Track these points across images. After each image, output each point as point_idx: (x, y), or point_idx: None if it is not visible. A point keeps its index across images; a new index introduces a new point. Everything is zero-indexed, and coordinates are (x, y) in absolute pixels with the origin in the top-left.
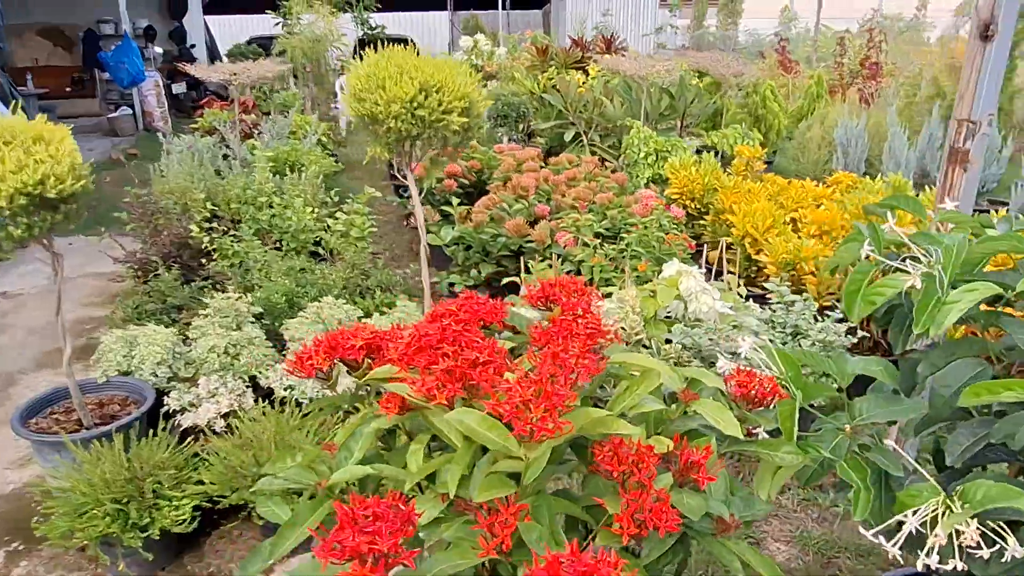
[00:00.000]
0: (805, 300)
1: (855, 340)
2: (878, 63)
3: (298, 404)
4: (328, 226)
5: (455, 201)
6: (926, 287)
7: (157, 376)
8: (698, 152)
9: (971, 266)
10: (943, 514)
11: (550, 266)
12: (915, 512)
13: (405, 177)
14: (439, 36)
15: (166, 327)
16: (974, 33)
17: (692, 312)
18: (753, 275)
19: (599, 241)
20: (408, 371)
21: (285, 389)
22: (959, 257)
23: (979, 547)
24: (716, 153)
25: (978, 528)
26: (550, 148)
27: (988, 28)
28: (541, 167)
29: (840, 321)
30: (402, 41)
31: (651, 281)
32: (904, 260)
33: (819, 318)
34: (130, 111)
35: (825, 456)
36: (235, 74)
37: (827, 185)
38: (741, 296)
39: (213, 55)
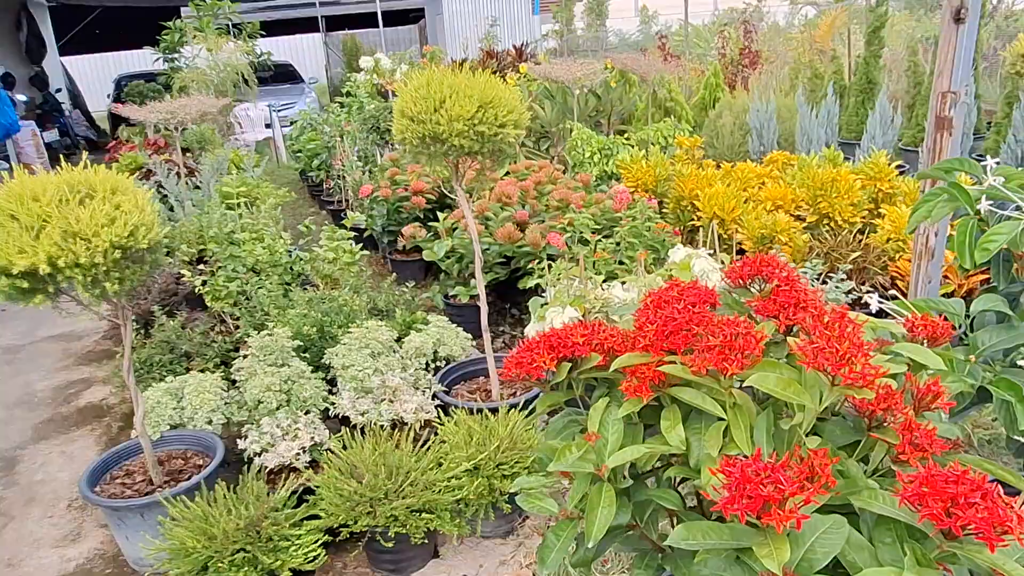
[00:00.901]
0: (813, 265)
1: (855, 296)
2: (757, 52)
3: (381, 427)
4: (313, 255)
5: (442, 216)
6: None
7: (212, 424)
8: (638, 147)
9: None
10: None
11: (576, 263)
12: None
13: (454, 193)
14: (313, 59)
15: (177, 376)
16: (947, 17)
17: None
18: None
19: (599, 237)
20: (664, 355)
21: (361, 414)
22: None
23: None
24: (644, 146)
25: None
26: None
27: (960, 12)
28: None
29: (841, 281)
30: (285, 66)
31: (649, 269)
32: (1014, 208)
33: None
34: (7, 164)
35: (971, 382)
36: (172, 112)
37: (764, 164)
38: None
39: (76, 100)
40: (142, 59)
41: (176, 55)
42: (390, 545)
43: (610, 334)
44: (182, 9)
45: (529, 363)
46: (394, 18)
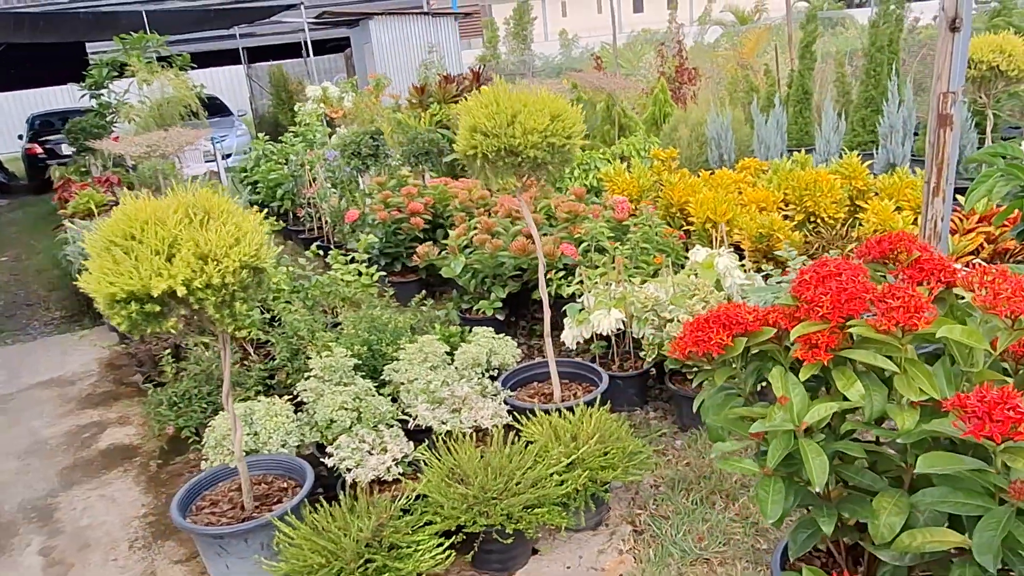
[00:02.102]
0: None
1: None
2: (695, 69)
3: (461, 434)
4: (331, 278)
5: (453, 233)
6: None
7: (286, 446)
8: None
9: None
10: None
11: (612, 268)
12: None
13: (521, 203)
14: (231, 91)
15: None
16: (944, 27)
17: (728, 287)
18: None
19: (616, 244)
20: (840, 321)
21: (443, 423)
22: None
23: None
24: (623, 159)
25: None
26: (457, 177)
27: (955, 22)
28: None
29: None
30: (213, 99)
31: (662, 269)
32: None
33: None
34: None
35: None
36: (153, 146)
37: (738, 171)
38: (746, 269)
39: None
40: (46, 97)
41: (103, 90)
42: (509, 542)
43: (773, 311)
44: (88, 45)
45: (707, 340)
46: (313, 48)
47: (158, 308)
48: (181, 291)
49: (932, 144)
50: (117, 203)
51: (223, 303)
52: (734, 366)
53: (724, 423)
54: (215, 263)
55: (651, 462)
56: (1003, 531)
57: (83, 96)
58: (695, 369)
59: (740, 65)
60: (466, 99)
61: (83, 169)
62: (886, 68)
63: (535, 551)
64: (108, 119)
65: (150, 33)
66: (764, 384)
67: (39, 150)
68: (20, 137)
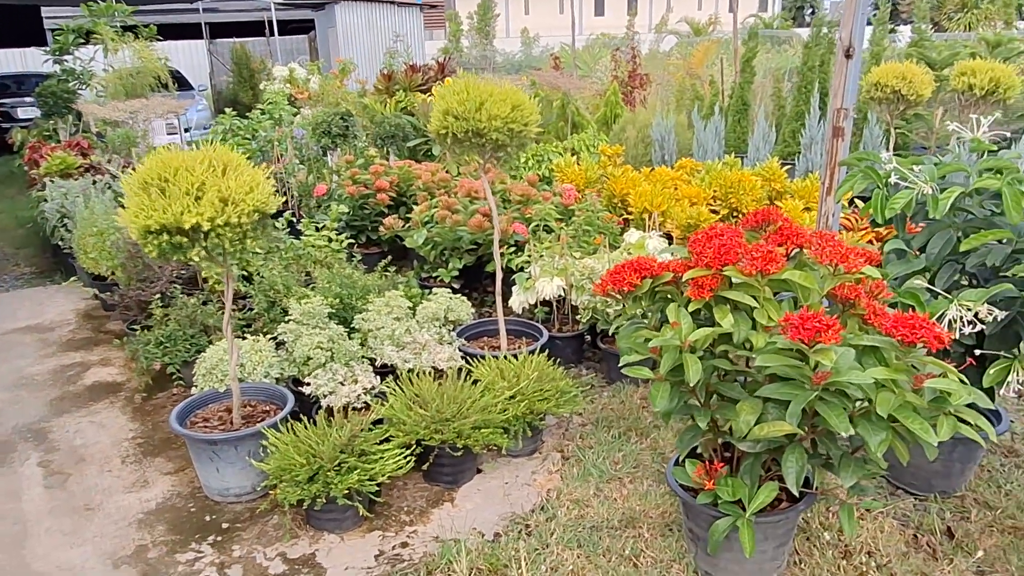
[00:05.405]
0: None
1: None
2: (646, 75)
3: (424, 372)
4: (305, 242)
5: (417, 208)
6: (931, 192)
7: (268, 377)
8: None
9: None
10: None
11: (558, 239)
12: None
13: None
14: (189, 66)
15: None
16: (840, 53)
17: None
18: None
19: (562, 225)
20: (719, 268)
21: (405, 362)
22: (932, 175)
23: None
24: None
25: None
26: (418, 161)
27: (849, 50)
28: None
29: None
30: (173, 73)
31: (600, 248)
32: (900, 181)
33: None
34: None
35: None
36: (136, 111)
37: (675, 169)
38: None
39: None
40: None
41: (69, 57)
42: (459, 455)
43: (673, 262)
44: (44, 10)
45: (622, 280)
46: (282, 28)
47: (184, 240)
48: (206, 226)
49: (827, 151)
50: (92, 166)
51: (238, 239)
52: (643, 303)
53: (632, 344)
54: (234, 205)
55: (580, 400)
56: (805, 402)
57: (45, 61)
58: (618, 316)
59: (689, 74)
60: (433, 89)
61: (46, 133)
62: (815, 86)
63: (479, 470)
64: (71, 85)
65: (116, 3)
66: (664, 321)
67: None
68: None
